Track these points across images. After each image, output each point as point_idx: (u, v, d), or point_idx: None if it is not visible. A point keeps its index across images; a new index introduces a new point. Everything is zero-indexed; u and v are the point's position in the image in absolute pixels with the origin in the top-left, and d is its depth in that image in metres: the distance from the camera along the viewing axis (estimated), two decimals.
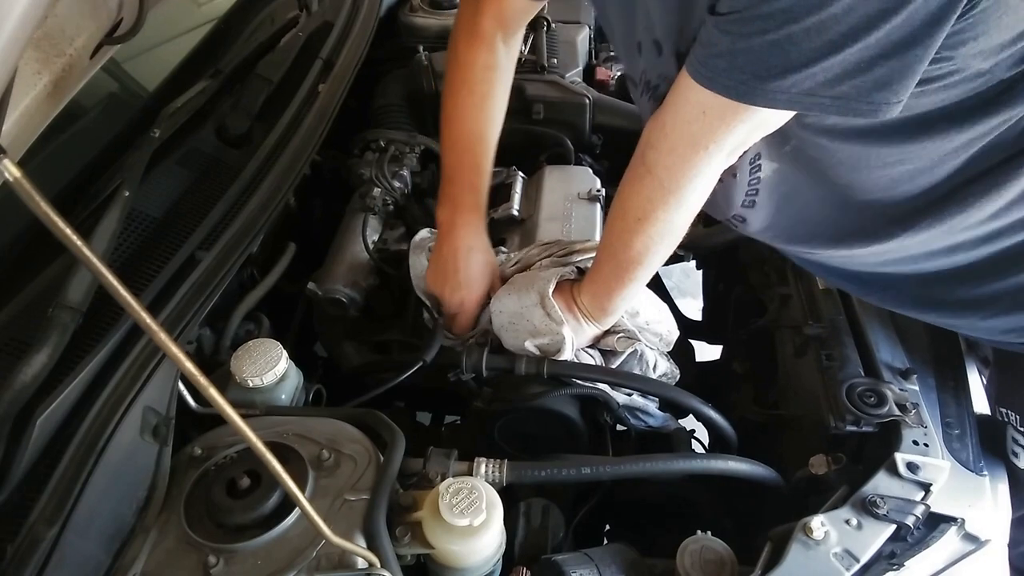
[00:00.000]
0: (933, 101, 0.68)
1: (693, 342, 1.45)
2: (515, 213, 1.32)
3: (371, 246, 1.23)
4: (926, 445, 0.88)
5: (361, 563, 0.70)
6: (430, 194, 1.42)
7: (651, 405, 1.06)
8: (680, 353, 1.16)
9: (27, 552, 0.67)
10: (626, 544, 0.85)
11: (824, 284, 1.12)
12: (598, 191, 1.34)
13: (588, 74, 1.68)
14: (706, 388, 1.12)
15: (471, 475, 0.84)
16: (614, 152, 1.52)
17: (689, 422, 1.10)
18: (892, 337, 1.03)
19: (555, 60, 1.56)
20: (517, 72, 1.51)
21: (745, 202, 0.90)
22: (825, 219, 0.86)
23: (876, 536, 0.79)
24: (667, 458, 0.91)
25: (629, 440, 1.11)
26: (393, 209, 1.34)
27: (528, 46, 1.55)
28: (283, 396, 0.94)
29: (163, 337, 0.47)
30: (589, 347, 1.06)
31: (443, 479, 0.80)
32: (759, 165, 0.85)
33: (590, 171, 1.41)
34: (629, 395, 1.04)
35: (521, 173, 1.39)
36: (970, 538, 0.81)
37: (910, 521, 0.80)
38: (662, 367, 1.07)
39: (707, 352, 1.53)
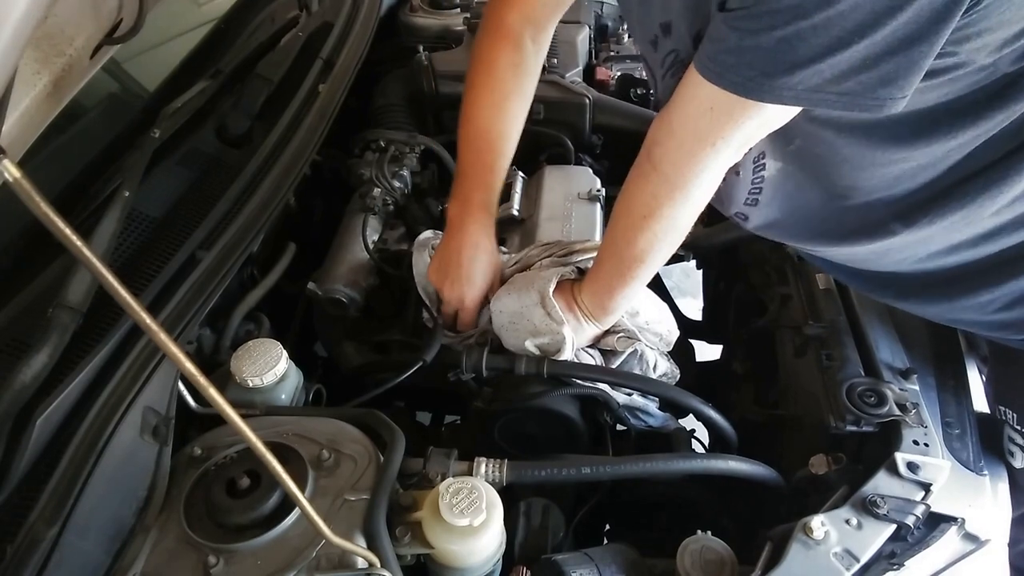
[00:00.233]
0: (937, 96, 0.69)
1: (693, 342, 1.45)
2: (515, 213, 1.32)
3: (371, 246, 1.23)
4: (926, 445, 0.88)
5: (361, 563, 0.70)
6: (430, 194, 1.42)
7: (651, 405, 1.06)
8: (680, 353, 1.16)
9: (27, 552, 0.67)
10: (626, 544, 0.85)
11: (824, 284, 1.12)
12: (598, 191, 1.34)
13: (588, 74, 1.68)
14: (706, 388, 1.12)
15: (471, 475, 0.84)
16: (614, 152, 1.52)
17: (689, 422, 1.10)
18: (892, 337, 1.03)
19: (555, 60, 1.56)
20: None
21: (748, 200, 0.90)
22: (828, 217, 0.86)
23: (876, 536, 0.79)
24: (667, 458, 0.91)
25: (629, 440, 1.11)
26: (393, 209, 1.34)
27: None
28: (283, 396, 0.94)
29: (163, 337, 0.47)
30: (589, 347, 1.06)
31: (443, 479, 0.80)
32: (763, 164, 0.85)
33: (590, 171, 1.41)
34: (629, 395, 1.04)
35: (521, 173, 1.39)
36: (970, 538, 0.81)
37: (910, 521, 0.80)
38: (662, 367, 1.07)
39: (707, 352, 1.53)
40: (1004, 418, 0.93)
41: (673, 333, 1.10)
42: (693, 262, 1.53)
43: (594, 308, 1.01)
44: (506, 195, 1.33)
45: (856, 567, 0.76)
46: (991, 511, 0.85)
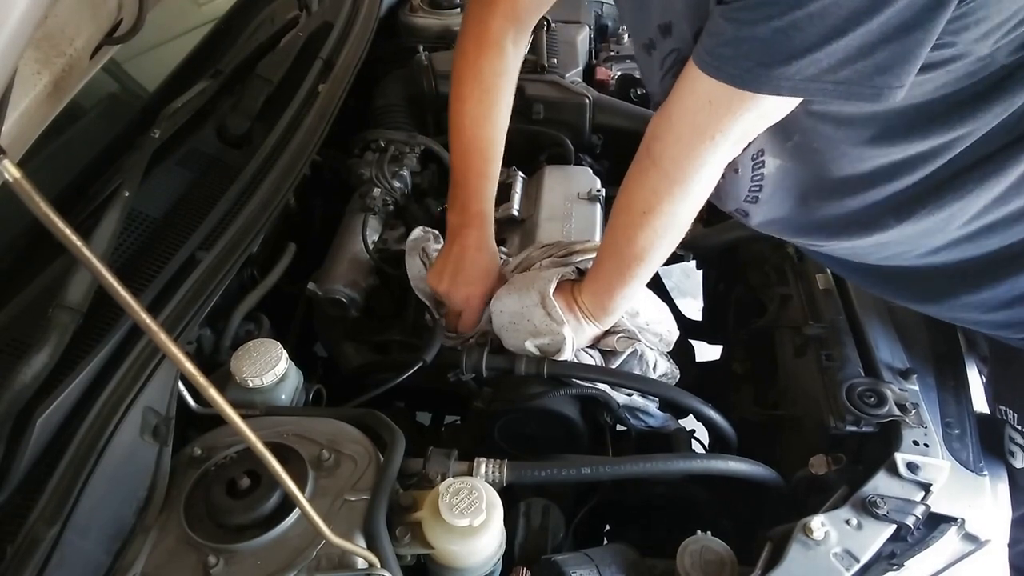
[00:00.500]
0: (936, 89, 0.69)
1: (693, 342, 1.45)
2: (515, 213, 1.32)
3: (371, 246, 1.23)
4: (926, 445, 0.88)
5: (361, 563, 0.70)
6: (430, 194, 1.42)
7: (651, 405, 1.06)
8: (680, 353, 1.16)
9: (27, 552, 0.67)
10: (626, 544, 0.85)
11: (824, 284, 1.12)
12: (598, 191, 1.34)
13: (588, 74, 1.68)
14: (706, 388, 1.12)
15: (471, 475, 0.84)
16: (614, 152, 1.52)
17: (689, 422, 1.10)
18: (892, 337, 1.03)
19: (555, 60, 1.56)
20: None
21: (748, 197, 0.90)
22: (827, 211, 0.86)
23: (876, 536, 0.79)
24: (667, 458, 0.91)
25: (629, 440, 1.11)
26: (393, 209, 1.34)
27: (528, 46, 1.55)
28: (283, 396, 0.94)
29: (163, 337, 0.47)
30: (589, 347, 1.06)
31: (443, 479, 0.80)
32: (762, 161, 0.85)
33: (590, 171, 1.41)
34: (629, 395, 1.04)
35: (521, 173, 1.39)
36: (970, 538, 0.81)
37: (910, 521, 0.80)
38: (662, 367, 1.07)
39: (707, 352, 1.53)
40: (1004, 418, 0.93)
41: (673, 333, 1.10)
42: (693, 262, 1.53)
43: (594, 308, 1.01)
44: (506, 195, 1.33)
45: (856, 567, 0.76)
46: (991, 511, 0.85)
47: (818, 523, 0.78)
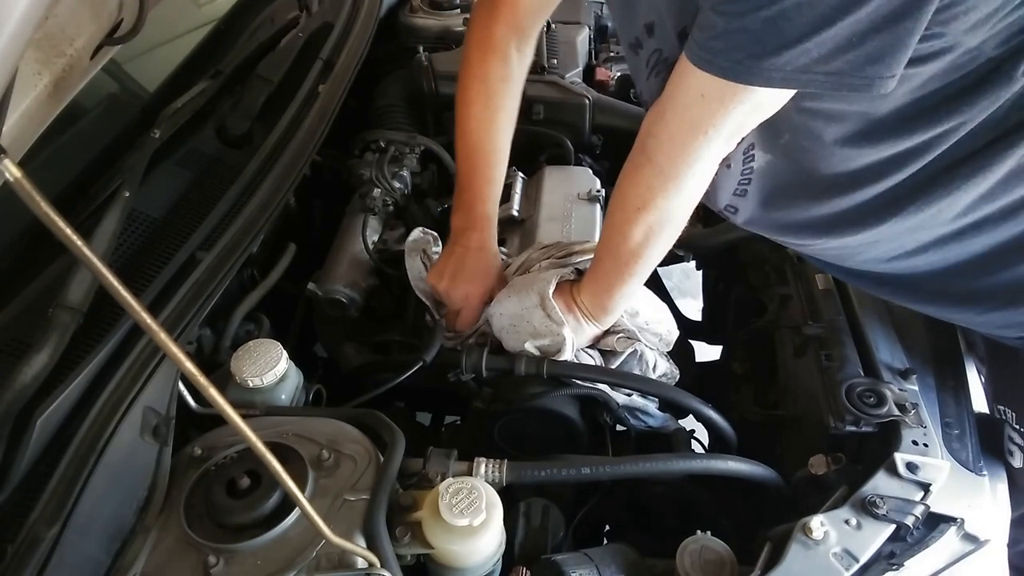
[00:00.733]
0: (924, 83, 0.69)
1: (693, 342, 1.45)
2: (515, 213, 1.32)
3: (371, 246, 1.24)
4: (925, 445, 0.88)
5: (361, 563, 0.70)
6: (430, 194, 1.42)
7: (651, 405, 1.06)
8: (680, 353, 1.16)
9: (27, 552, 0.67)
10: (626, 544, 0.85)
11: (824, 284, 1.12)
12: (598, 191, 1.34)
13: (588, 74, 1.68)
14: (706, 388, 1.12)
15: (471, 475, 0.84)
16: (614, 152, 1.52)
17: (689, 422, 1.10)
18: (892, 337, 1.03)
19: (555, 60, 1.56)
20: None
21: (737, 191, 0.90)
22: (816, 209, 0.86)
23: (876, 536, 0.79)
24: (667, 458, 0.91)
25: (629, 440, 1.11)
26: (393, 210, 1.34)
27: (533, 53, 1.55)
28: (283, 396, 0.94)
29: (163, 337, 0.47)
30: (589, 347, 1.06)
31: (443, 479, 0.80)
32: (752, 155, 0.85)
33: (590, 171, 1.41)
34: (629, 395, 1.04)
35: (521, 173, 1.39)
36: (970, 538, 0.81)
37: (910, 521, 0.80)
38: (662, 367, 1.07)
39: (707, 352, 1.53)
40: (1004, 417, 0.93)
41: (673, 333, 1.10)
42: (693, 263, 1.53)
43: (594, 308, 1.01)
44: (506, 195, 1.33)
45: (855, 567, 0.76)
46: (990, 511, 0.85)
47: (818, 523, 0.78)
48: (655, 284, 1.58)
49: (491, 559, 0.79)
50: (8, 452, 0.72)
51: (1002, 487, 0.89)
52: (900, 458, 0.86)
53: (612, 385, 1.02)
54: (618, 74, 1.67)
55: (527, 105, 1.45)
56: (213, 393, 0.50)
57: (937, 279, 0.88)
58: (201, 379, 0.50)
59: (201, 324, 0.95)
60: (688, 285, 2.29)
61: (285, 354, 0.93)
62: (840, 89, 0.66)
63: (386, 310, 1.26)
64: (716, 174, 0.86)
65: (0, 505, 0.71)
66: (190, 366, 0.49)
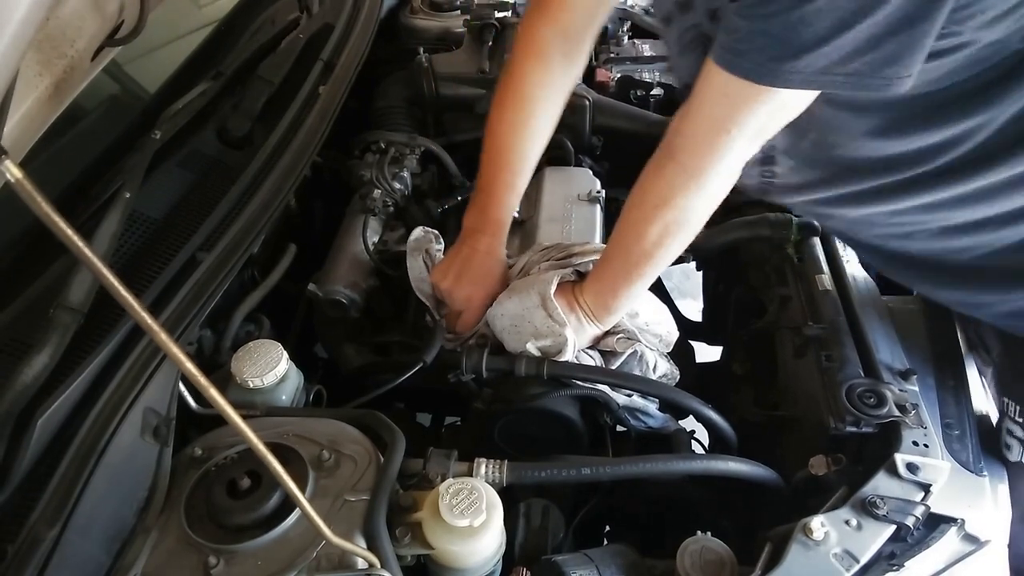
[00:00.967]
0: (946, 75, 0.70)
1: (693, 343, 1.45)
2: (515, 214, 1.31)
3: (371, 247, 1.24)
4: (926, 446, 0.88)
5: (361, 563, 0.70)
6: (430, 195, 1.42)
7: (651, 406, 1.06)
8: (680, 354, 1.16)
9: (28, 552, 0.67)
10: (626, 544, 0.85)
11: (824, 285, 1.12)
12: (598, 192, 1.34)
13: (588, 75, 1.68)
14: (706, 389, 1.12)
15: (471, 476, 0.84)
16: (614, 154, 1.53)
17: (689, 423, 1.10)
18: (892, 338, 1.03)
19: None
20: None
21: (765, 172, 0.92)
22: (843, 188, 0.87)
23: (876, 537, 0.79)
24: (667, 459, 0.91)
25: (629, 441, 1.11)
26: (393, 210, 1.34)
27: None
28: (283, 397, 0.94)
29: (164, 338, 0.47)
30: (589, 348, 1.06)
31: (443, 480, 0.80)
32: (772, 157, 0.86)
33: (590, 172, 1.41)
34: (629, 396, 1.04)
35: None
36: (970, 539, 0.81)
37: (910, 522, 0.80)
38: (662, 368, 1.07)
39: (707, 353, 1.53)
40: (1007, 411, 0.93)
41: (673, 334, 1.10)
42: (693, 263, 1.53)
43: (596, 308, 1.01)
44: None
45: (856, 568, 0.76)
46: (991, 512, 0.85)
47: (818, 523, 0.78)
48: (655, 285, 1.57)
49: (491, 560, 0.80)
50: (9, 452, 0.72)
51: (1003, 487, 0.89)
52: (900, 459, 0.86)
53: (612, 386, 1.02)
54: (618, 75, 1.67)
55: None
56: (213, 394, 0.51)
57: (967, 269, 0.88)
58: (202, 380, 0.50)
59: (202, 325, 0.95)
60: (688, 286, 2.29)
61: (285, 355, 0.94)
62: (858, 90, 0.68)
63: (386, 311, 1.26)
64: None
65: (0, 505, 0.71)
66: (191, 367, 0.49)
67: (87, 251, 0.43)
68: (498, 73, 1.52)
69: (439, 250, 1.18)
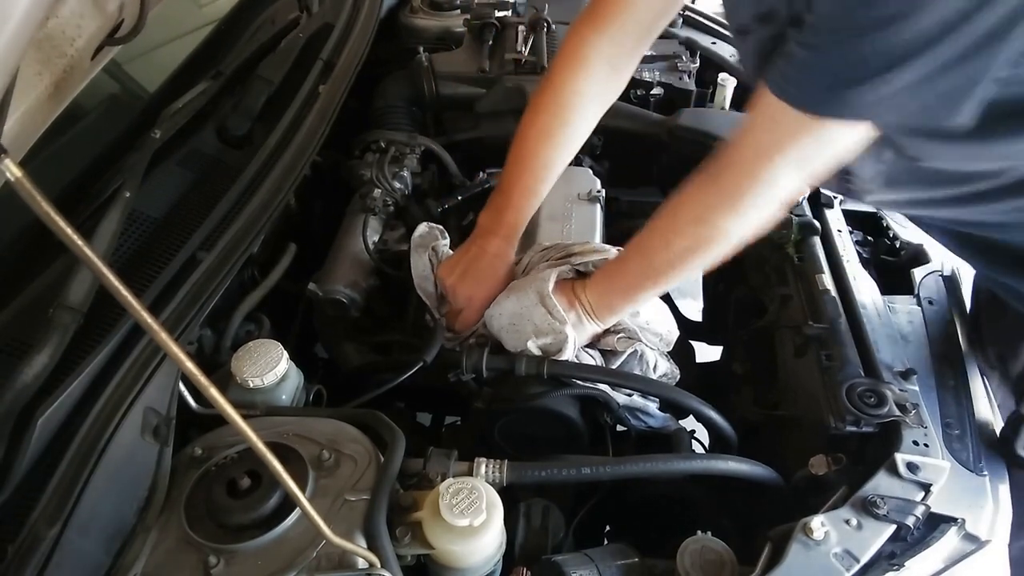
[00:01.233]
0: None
1: (693, 343, 1.45)
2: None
3: (371, 247, 1.24)
4: (926, 445, 0.88)
5: (361, 563, 0.70)
6: (430, 195, 1.42)
7: (651, 406, 1.06)
8: (680, 354, 1.16)
9: (28, 552, 0.67)
10: (626, 544, 0.85)
11: (824, 284, 1.12)
12: (598, 192, 1.34)
13: None
14: (706, 389, 1.12)
15: (471, 475, 0.84)
16: (614, 153, 1.52)
17: (689, 423, 1.10)
18: (892, 337, 1.03)
19: None
20: (516, 73, 1.52)
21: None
22: (930, 193, 0.87)
23: (876, 536, 0.79)
24: (667, 458, 0.91)
25: (629, 441, 1.11)
26: (393, 210, 1.34)
27: (528, 47, 1.56)
28: (283, 396, 0.94)
29: (164, 337, 0.47)
30: (589, 347, 1.06)
31: (443, 479, 0.80)
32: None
33: (590, 172, 1.41)
34: (629, 395, 1.04)
35: None
36: (970, 538, 0.81)
37: (910, 521, 0.80)
38: (662, 367, 1.07)
39: (707, 353, 1.53)
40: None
41: (673, 333, 1.10)
42: None
43: (599, 307, 1.00)
44: None
45: (856, 567, 0.76)
46: (991, 512, 0.85)
47: (818, 523, 0.78)
48: None
49: (491, 559, 0.80)
50: (9, 452, 0.72)
51: (1003, 487, 0.89)
52: (901, 458, 0.86)
53: (613, 385, 1.02)
54: None
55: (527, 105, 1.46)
56: (214, 393, 0.50)
57: None
58: (202, 379, 0.50)
59: (202, 324, 0.95)
60: (688, 286, 2.28)
61: (286, 354, 0.93)
62: (910, 123, 0.68)
63: (386, 310, 1.26)
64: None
65: (1, 505, 0.71)
66: (191, 366, 0.49)
67: (87, 250, 0.43)
68: (498, 72, 1.53)
69: (445, 245, 1.17)
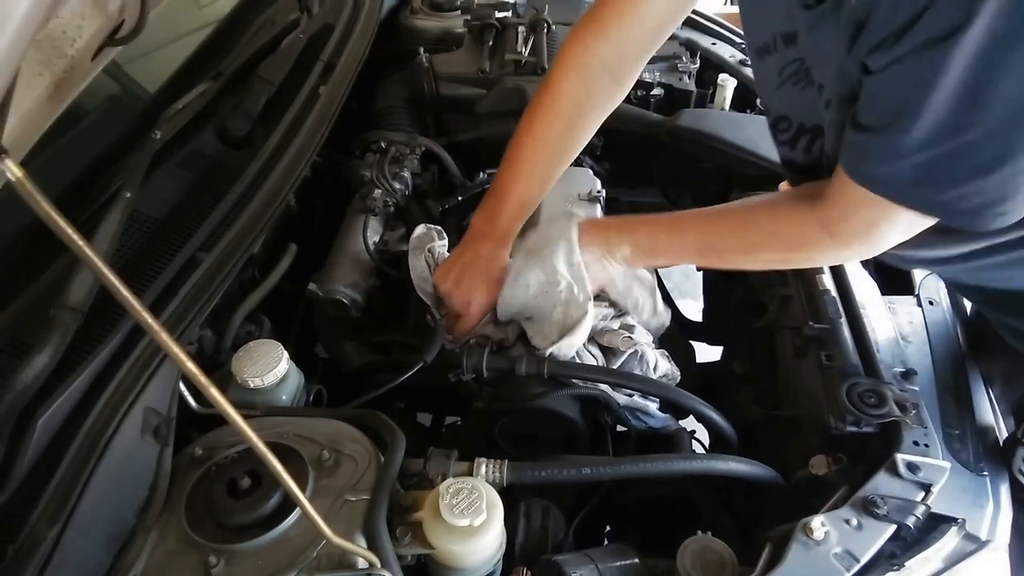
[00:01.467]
0: None
1: (693, 343, 1.45)
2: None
3: (372, 247, 1.24)
4: (926, 446, 0.88)
5: (361, 563, 0.70)
6: (431, 195, 1.42)
7: (652, 406, 1.06)
8: (680, 354, 1.16)
9: (28, 552, 0.67)
10: (626, 544, 0.85)
11: (824, 284, 1.12)
12: (598, 192, 1.34)
13: None
14: (706, 389, 1.12)
15: (471, 475, 0.84)
16: (614, 153, 1.52)
17: (689, 423, 1.11)
18: (893, 338, 1.03)
19: None
20: (517, 73, 1.52)
21: None
22: (942, 250, 0.87)
23: (876, 536, 0.79)
24: (667, 458, 0.91)
25: (629, 441, 1.11)
26: (394, 210, 1.34)
27: (528, 48, 1.56)
28: (284, 397, 0.94)
29: (165, 337, 0.47)
30: (589, 343, 1.06)
31: (443, 479, 0.80)
32: None
33: (591, 172, 1.41)
34: (630, 396, 1.04)
35: None
36: (970, 538, 0.81)
37: (910, 521, 0.80)
38: (662, 368, 1.07)
39: (707, 353, 1.53)
40: (1020, 438, 0.92)
41: (660, 317, 1.09)
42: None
43: (637, 253, 0.99)
44: None
45: (856, 568, 0.76)
46: (991, 512, 0.85)
47: (818, 523, 0.78)
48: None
49: (492, 559, 0.80)
50: (9, 452, 0.72)
51: (1003, 487, 0.89)
52: (901, 458, 0.86)
53: (613, 385, 1.02)
54: None
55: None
56: (214, 393, 0.51)
57: None
58: (202, 379, 0.50)
59: (202, 325, 0.95)
60: (688, 285, 2.29)
61: (286, 355, 0.94)
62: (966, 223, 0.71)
63: (387, 310, 1.26)
64: None
65: (1, 505, 0.71)
66: (191, 366, 0.49)
67: (88, 250, 0.43)
68: (498, 73, 1.53)
69: (443, 246, 1.17)
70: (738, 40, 1.66)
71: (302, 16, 1.50)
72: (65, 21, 0.83)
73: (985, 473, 0.88)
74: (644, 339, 1.07)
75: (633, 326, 1.08)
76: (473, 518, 0.73)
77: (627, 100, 1.56)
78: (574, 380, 0.99)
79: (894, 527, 0.80)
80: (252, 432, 0.54)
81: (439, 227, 1.21)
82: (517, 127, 1.06)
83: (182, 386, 0.87)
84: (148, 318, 0.46)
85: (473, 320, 1.10)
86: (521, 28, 1.61)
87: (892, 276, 1.16)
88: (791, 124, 0.89)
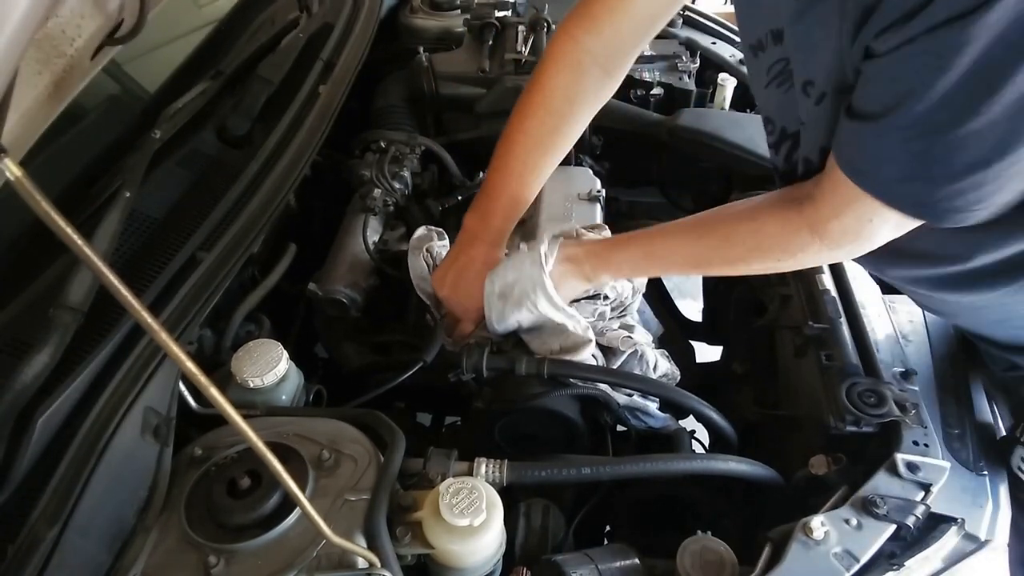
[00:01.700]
0: None
1: (693, 343, 1.45)
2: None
3: (371, 247, 1.24)
4: (926, 445, 0.88)
5: (361, 563, 0.70)
6: (430, 195, 1.42)
7: (651, 406, 1.06)
8: (680, 354, 1.16)
9: (28, 552, 0.67)
10: (626, 544, 0.85)
11: (824, 284, 1.12)
12: (598, 192, 1.34)
13: None
14: (706, 389, 1.12)
15: (471, 475, 0.84)
16: (614, 153, 1.53)
17: (689, 423, 1.11)
18: (893, 338, 1.03)
19: None
20: (516, 73, 1.52)
21: None
22: (924, 271, 0.85)
23: (876, 536, 0.79)
24: (667, 458, 0.91)
25: (629, 441, 1.11)
26: (393, 210, 1.34)
27: (528, 47, 1.56)
28: (284, 396, 0.94)
29: (164, 337, 0.47)
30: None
31: (443, 479, 0.80)
32: None
33: (590, 172, 1.41)
34: (630, 395, 1.04)
35: None
36: (970, 538, 0.81)
37: (910, 521, 0.80)
38: (662, 367, 1.07)
39: (707, 353, 1.54)
40: (1019, 437, 0.91)
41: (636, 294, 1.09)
42: None
43: (619, 276, 0.98)
44: None
45: (856, 567, 0.76)
46: (991, 511, 0.85)
47: (818, 523, 0.78)
48: (656, 285, 1.58)
49: (491, 559, 0.80)
50: (9, 452, 0.72)
51: (1003, 487, 0.89)
52: (900, 458, 0.86)
53: (613, 385, 1.02)
54: None
55: None
56: (214, 393, 0.50)
57: None
58: (202, 379, 0.50)
59: (202, 324, 0.95)
60: (688, 285, 2.29)
61: (286, 354, 0.93)
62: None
63: (387, 310, 1.26)
64: None
65: (1, 505, 0.71)
66: (191, 366, 0.49)
67: (87, 250, 0.43)
68: (498, 72, 1.53)
69: (442, 246, 1.17)
70: (738, 39, 1.66)
71: (302, 15, 1.50)
72: (64, 20, 0.83)
73: (985, 473, 0.88)
74: (644, 339, 1.08)
75: (633, 326, 1.08)
76: (473, 518, 0.73)
77: (627, 100, 1.58)
78: (574, 380, 0.99)
79: (894, 527, 0.80)
80: (252, 432, 0.54)
81: (439, 228, 1.21)
82: (507, 124, 1.04)
83: (182, 386, 0.87)
84: (148, 318, 0.46)
85: (470, 325, 1.10)
86: (521, 27, 1.61)
87: None
88: (775, 127, 0.88)
